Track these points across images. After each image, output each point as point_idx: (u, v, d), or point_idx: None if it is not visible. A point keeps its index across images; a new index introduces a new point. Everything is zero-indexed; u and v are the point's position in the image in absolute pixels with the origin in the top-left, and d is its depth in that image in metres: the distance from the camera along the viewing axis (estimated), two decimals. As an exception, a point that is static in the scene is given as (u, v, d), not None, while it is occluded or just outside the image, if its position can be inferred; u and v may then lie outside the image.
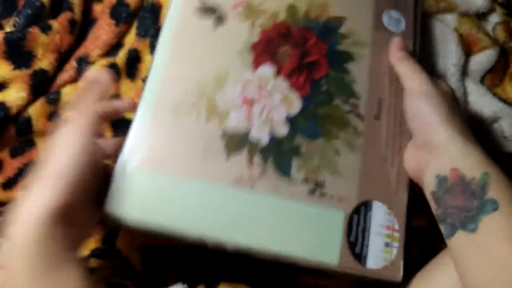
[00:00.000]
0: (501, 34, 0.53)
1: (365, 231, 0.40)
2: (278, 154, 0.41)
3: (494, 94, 0.53)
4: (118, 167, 0.39)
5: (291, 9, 0.46)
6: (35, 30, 0.49)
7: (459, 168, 0.36)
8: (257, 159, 0.41)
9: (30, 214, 0.33)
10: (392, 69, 0.44)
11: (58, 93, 0.51)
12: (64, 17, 0.52)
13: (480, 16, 0.54)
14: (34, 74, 0.50)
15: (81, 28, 0.54)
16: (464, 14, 0.53)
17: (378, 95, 0.44)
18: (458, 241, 0.35)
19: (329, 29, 0.45)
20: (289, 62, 0.44)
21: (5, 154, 0.51)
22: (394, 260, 0.40)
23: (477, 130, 0.51)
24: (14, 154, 0.52)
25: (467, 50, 0.53)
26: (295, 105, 0.43)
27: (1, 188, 0.51)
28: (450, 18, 0.53)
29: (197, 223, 0.39)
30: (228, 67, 0.43)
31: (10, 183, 0.51)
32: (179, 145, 0.40)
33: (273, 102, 0.43)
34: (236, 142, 0.41)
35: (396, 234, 0.41)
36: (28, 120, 0.50)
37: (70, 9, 0.52)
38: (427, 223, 0.49)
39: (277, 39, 0.45)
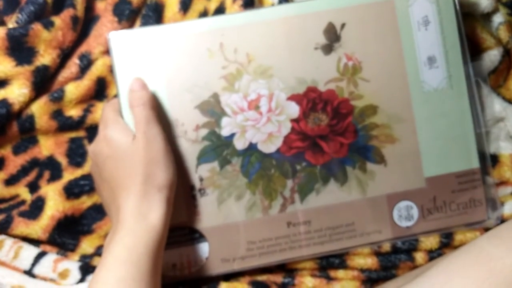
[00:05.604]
0: (504, 34, 0.53)
1: None
2: None
3: (498, 94, 0.53)
4: None
5: None
6: (37, 27, 0.49)
7: None
8: None
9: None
10: None
11: (61, 91, 0.51)
12: (67, 13, 0.51)
13: (484, 16, 0.54)
14: (36, 70, 0.50)
15: (84, 25, 0.54)
16: (468, 14, 0.53)
17: None
18: None
19: None
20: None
21: (8, 151, 0.52)
22: None
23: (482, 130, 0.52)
24: (17, 151, 0.52)
25: (471, 50, 0.52)
26: (270, 148, 0.46)
27: (4, 184, 0.51)
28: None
29: None
30: None
31: (13, 180, 0.51)
32: None
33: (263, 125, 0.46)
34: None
35: None
36: (31, 118, 0.50)
37: (73, 6, 0.52)
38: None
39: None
